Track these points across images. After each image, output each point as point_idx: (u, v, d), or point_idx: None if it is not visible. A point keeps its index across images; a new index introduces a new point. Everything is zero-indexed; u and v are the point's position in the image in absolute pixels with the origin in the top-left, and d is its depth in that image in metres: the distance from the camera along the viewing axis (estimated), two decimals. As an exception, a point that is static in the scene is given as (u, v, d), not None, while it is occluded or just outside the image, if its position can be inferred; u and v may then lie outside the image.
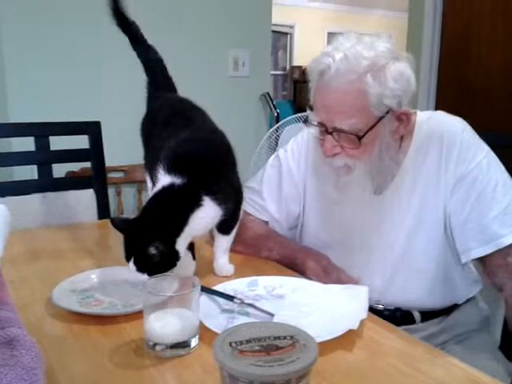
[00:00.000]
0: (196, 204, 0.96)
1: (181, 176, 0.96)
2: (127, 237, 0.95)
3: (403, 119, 1.08)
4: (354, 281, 1.06)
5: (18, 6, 2.36)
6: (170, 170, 0.97)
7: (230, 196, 1.04)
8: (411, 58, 1.07)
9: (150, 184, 1.10)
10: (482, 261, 1.10)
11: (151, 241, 0.91)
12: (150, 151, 1.15)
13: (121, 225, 0.96)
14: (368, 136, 1.05)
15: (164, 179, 0.97)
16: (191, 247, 1.09)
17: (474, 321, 1.21)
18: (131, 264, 0.93)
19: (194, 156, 1.01)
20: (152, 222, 0.94)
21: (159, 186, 0.98)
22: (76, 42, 2.50)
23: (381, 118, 1.05)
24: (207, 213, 0.98)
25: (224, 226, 1.09)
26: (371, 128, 1.04)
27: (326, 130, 1.08)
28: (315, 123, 1.11)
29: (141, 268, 0.93)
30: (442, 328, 1.18)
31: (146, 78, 1.27)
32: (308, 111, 1.12)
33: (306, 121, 1.14)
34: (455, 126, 1.14)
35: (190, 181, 0.96)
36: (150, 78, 1.26)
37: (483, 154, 1.10)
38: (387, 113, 1.05)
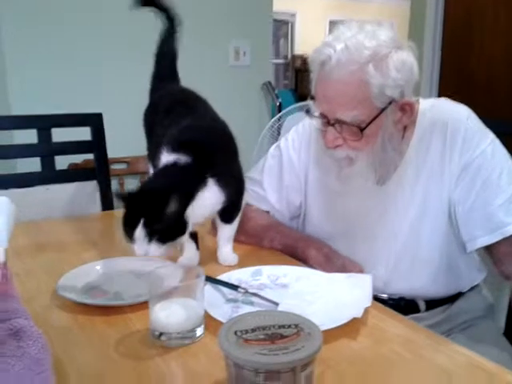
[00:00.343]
0: (201, 183, 0.96)
1: (186, 155, 0.96)
2: (135, 199, 0.92)
3: (406, 109, 1.07)
4: (359, 267, 1.06)
5: (17, 1, 2.36)
6: (174, 150, 0.97)
7: (232, 183, 1.04)
8: (413, 47, 1.06)
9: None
10: (488, 249, 1.09)
11: (167, 201, 0.89)
12: (152, 142, 1.15)
13: (125, 194, 0.93)
14: (370, 127, 1.04)
15: (169, 157, 0.97)
16: (195, 237, 1.10)
17: (478, 308, 1.21)
18: (139, 230, 0.89)
19: (199, 138, 1.01)
20: (164, 186, 0.92)
21: (164, 162, 0.96)
22: (77, 37, 2.49)
23: (383, 109, 1.03)
24: (211, 194, 0.98)
25: (226, 214, 1.09)
26: (373, 119, 1.03)
27: (327, 121, 1.07)
28: (317, 114, 1.10)
29: (150, 232, 0.89)
30: (447, 316, 1.18)
31: (153, 69, 1.26)
32: (310, 102, 1.12)
33: (307, 111, 1.14)
34: (459, 113, 1.12)
35: (195, 161, 0.96)
36: (157, 68, 1.26)
37: (488, 142, 1.09)
38: (390, 103, 1.03)
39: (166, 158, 0.97)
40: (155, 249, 0.91)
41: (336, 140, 1.07)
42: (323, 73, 1.04)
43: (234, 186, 1.04)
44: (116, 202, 1.87)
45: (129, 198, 0.93)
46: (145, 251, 0.91)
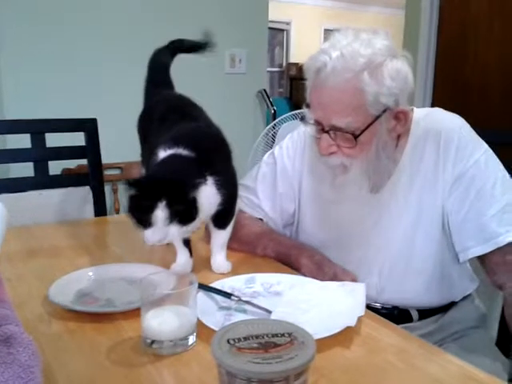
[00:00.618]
0: (202, 179, 0.95)
1: (187, 150, 0.96)
2: (153, 183, 0.91)
3: (401, 118, 1.08)
4: (351, 275, 1.06)
5: (14, 1, 2.35)
6: (175, 145, 0.97)
7: (228, 185, 1.03)
8: (408, 56, 1.07)
9: None
10: (480, 259, 1.10)
11: (188, 183, 0.90)
12: (146, 147, 1.15)
13: (138, 180, 0.92)
14: (365, 135, 1.04)
15: (169, 151, 0.97)
16: (187, 244, 1.09)
17: (470, 318, 1.21)
18: (159, 212, 0.89)
19: (199, 136, 1.03)
20: (182, 170, 0.94)
21: (166, 154, 0.96)
22: (73, 40, 2.49)
23: (378, 117, 1.04)
24: (209, 193, 0.97)
25: (220, 220, 1.09)
26: (368, 127, 1.04)
27: (322, 128, 1.07)
28: (311, 121, 1.10)
29: (171, 214, 0.89)
30: (440, 326, 1.18)
31: (146, 75, 1.27)
32: (304, 109, 1.12)
33: (302, 118, 1.14)
34: (453, 122, 1.13)
35: (196, 156, 0.96)
36: (150, 74, 1.27)
37: (481, 152, 1.09)
38: (384, 111, 1.04)
39: (166, 152, 0.97)
40: (174, 231, 0.91)
41: (330, 147, 1.07)
42: (318, 80, 1.04)
43: (229, 189, 1.04)
44: (108, 208, 1.86)
45: (145, 183, 0.92)
46: (163, 234, 0.91)
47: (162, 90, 1.25)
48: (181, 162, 0.96)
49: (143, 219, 0.90)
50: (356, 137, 1.04)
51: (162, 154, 0.98)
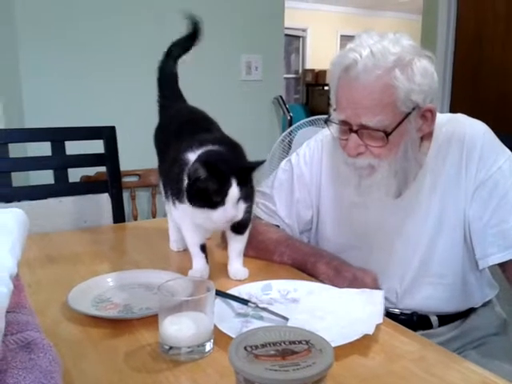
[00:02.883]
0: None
1: (218, 147, 1.00)
2: (225, 163, 0.95)
3: (427, 117, 1.06)
4: (371, 275, 1.05)
5: (33, 12, 2.40)
6: (203, 146, 1.00)
7: (252, 184, 1.04)
8: (433, 57, 1.06)
9: (163, 191, 1.12)
10: (501, 266, 1.08)
11: (251, 163, 0.98)
12: (164, 160, 1.16)
13: (208, 160, 0.95)
14: (395, 133, 1.03)
15: (200, 150, 0.99)
16: (204, 250, 1.10)
17: (491, 325, 1.20)
18: (233, 190, 0.93)
19: (223, 138, 1.06)
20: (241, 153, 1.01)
21: (199, 151, 0.99)
22: (90, 47, 2.52)
23: (407, 115, 1.03)
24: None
25: (238, 225, 1.09)
26: (398, 125, 1.02)
27: (350, 128, 1.06)
28: (338, 122, 1.08)
29: (241, 192, 0.94)
30: (460, 333, 1.17)
31: (158, 90, 1.28)
32: (331, 110, 1.10)
33: (327, 120, 1.12)
34: (476, 128, 1.12)
35: (228, 151, 1.00)
36: (162, 89, 1.28)
37: (505, 158, 1.08)
38: (413, 109, 1.03)
39: (195, 153, 0.99)
40: (242, 208, 0.96)
41: (358, 147, 1.06)
42: (348, 77, 1.03)
43: (253, 189, 1.05)
44: (127, 215, 1.88)
45: (216, 163, 0.95)
46: (235, 211, 0.95)
47: (174, 102, 1.26)
48: (225, 152, 0.99)
49: (215, 198, 0.94)
50: (388, 135, 1.02)
51: (192, 155, 0.99)
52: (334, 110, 1.09)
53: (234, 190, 0.94)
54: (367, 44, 1.02)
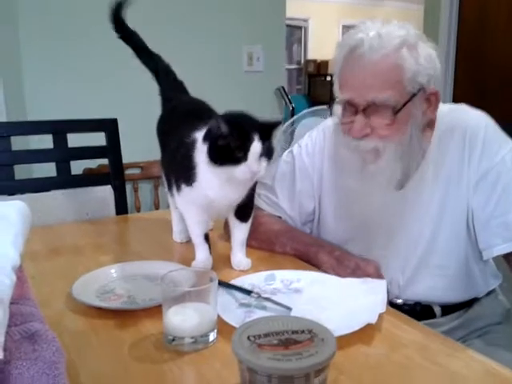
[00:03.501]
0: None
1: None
2: (247, 119, 0.97)
3: (431, 101, 1.07)
4: (373, 264, 1.05)
5: (35, 3, 2.39)
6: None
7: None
8: (434, 45, 1.07)
9: (166, 183, 1.12)
10: (505, 257, 1.08)
11: (273, 123, 0.99)
12: (166, 152, 1.15)
13: (228, 116, 0.97)
14: (401, 113, 1.02)
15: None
16: (207, 240, 1.10)
17: (494, 314, 1.20)
18: (256, 145, 0.94)
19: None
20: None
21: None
22: (91, 39, 2.52)
23: (414, 95, 1.03)
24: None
25: (242, 211, 1.10)
26: (406, 103, 1.02)
27: (355, 109, 1.05)
28: (343, 103, 1.07)
29: (263, 147, 0.95)
30: (463, 322, 1.17)
31: (158, 84, 1.28)
32: (335, 90, 1.10)
33: (331, 105, 1.11)
34: (479, 119, 1.11)
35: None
36: (161, 83, 1.28)
37: (507, 149, 1.07)
38: (419, 91, 1.03)
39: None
40: (263, 165, 0.96)
41: (364, 128, 1.04)
42: (354, 56, 1.03)
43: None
44: (129, 207, 1.88)
45: (238, 119, 0.96)
46: (258, 166, 0.95)
47: (176, 94, 1.26)
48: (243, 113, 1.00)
49: (238, 154, 0.94)
50: (396, 112, 1.02)
51: (200, 133, 1.00)
52: (339, 90, 1.08)
53: (256, 145, 0.94)
54: (373, 27, 1.04)
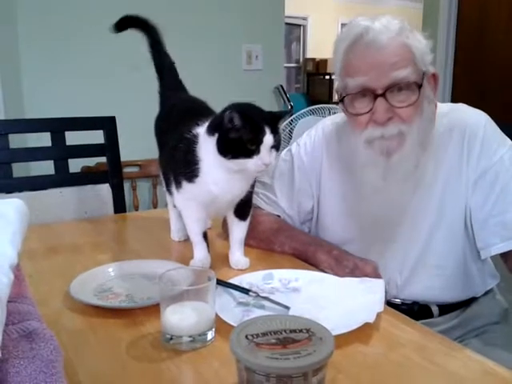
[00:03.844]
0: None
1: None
2: (258, 112, 0.98)
3: (431, 83, 1.08)
4: (371, 264, 1.05)
5: (34, 3, 2.38)
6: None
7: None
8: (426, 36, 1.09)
9: (164, 181, 1.11)
10: (503, 256, 1.08)
11: (282, 114, 1.02)
12: (164, 150, 1.15)
13: (239, 108, 0.97)
14: (421, 90, 1.03)
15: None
16: (205, 239, 1.10)
17: (492, 313, 1.20)
18: (268, 137, 0.94)
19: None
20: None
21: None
22: (90, 38, 2.51)
23: (424, 74, 1.04)
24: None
25: (241, 209, 1.10)
26: (423, 80, 1.04)
27: (373, 95, 1.03)
28: (357, 90, 1.05)
29: (274, 139, 0.95)
30: (461, 321, 1.17)
31: (158, 80, 1.28)
32: (340, 86, 1.09)
33: (341, 100, 1.09)
34: (478, 118, 1.11)
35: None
36: (162, 79, 1.28)
37: (506, 148, 1.07)
38: (426, 70, 1.05)
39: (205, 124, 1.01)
40: (273, 156, 0.97)
41: (388, 111, 1.03)
42: (364, 42, 1.03)
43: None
44: (128, 205, 1.87)
45: (250, 112, 0.96)
46: (270, 158, 0.95)
47: (175, 92, 1.25)
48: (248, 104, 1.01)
49: (251, 147, 0.94)
50: (420, 86, 1.02)
51: (200, 128, 1.00)
52: (348, 79, 1.06)
53: (268, 138, 0.94)
54: (368, 20, 1.05)
